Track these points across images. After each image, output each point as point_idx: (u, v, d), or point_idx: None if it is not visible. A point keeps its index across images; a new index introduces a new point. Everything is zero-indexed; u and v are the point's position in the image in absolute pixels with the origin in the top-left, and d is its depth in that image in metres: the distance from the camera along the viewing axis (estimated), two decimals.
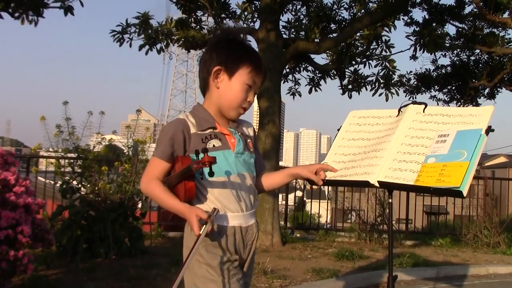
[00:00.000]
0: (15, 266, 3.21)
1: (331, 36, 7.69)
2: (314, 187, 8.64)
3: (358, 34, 7.68)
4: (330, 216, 13.63)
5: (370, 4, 7.87)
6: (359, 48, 8.16)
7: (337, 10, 7.92)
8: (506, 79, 10.28)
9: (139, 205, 5.56)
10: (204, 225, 1.57)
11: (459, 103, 10.71)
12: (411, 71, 10.42)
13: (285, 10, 7.64)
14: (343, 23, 7.90)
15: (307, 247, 6.43)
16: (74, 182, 5.14)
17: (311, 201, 9.43)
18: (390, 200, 2.14)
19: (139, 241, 5.27)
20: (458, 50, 10.34)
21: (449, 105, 10.68)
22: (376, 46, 7.88)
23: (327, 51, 7.86)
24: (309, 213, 9.74)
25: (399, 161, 1.88)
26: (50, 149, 5.62)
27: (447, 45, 9.66)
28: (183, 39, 7.26)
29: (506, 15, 8.29)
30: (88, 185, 5.11)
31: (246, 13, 7.33)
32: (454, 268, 5.55)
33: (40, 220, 3.54)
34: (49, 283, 3.92)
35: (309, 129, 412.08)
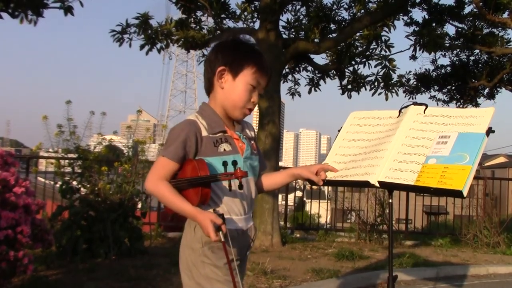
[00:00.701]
0: (15, 266, 3.21)
1: (331, 36, 7.68)
2: (314, 187, 8.64)
3: (358, 34, 7.66)
4: (330, 216, 13.62)
5: (370, 4, 7.85)
6: (359, 48, 8.15)
7: (336, 10, 7.90)
8: (505, 79, 10.27)
9: (139, 205, 5.56)
10: (220, 231, 1.59)
11: (459, 103, 10.70)
12: (410, 71, 10.43)
13: (285, 10, 7.62)
14: (343, 23, 7.89)
15: (307, 247, 6.43)
16: (74, 183, 5.14)
17: (311, 201, 9.44)
18: (390, 200, 2.14)
19: (139, 241, 5.27)
20: (458, 50, 10.32)
21: (448, 105, 10.67)
22: (376, 46, 7.87)
23: (327, 51, 7.85)
24: (309, 213, 9.74)
25: (399, 162, 1.89)
26: (50, 149, 5.62)
27: (447, 45, 9.65)
28: (182, 40, 7.26)
29: (505, 15, 8.28)
30: (88, 186, 5.11)
31: (245, 13, 7.32)
32: (454, 268, 5.55)
33: (40, 221, 3.54)
34: (49, 283, 3.92)
35: (309, 129, 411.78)
